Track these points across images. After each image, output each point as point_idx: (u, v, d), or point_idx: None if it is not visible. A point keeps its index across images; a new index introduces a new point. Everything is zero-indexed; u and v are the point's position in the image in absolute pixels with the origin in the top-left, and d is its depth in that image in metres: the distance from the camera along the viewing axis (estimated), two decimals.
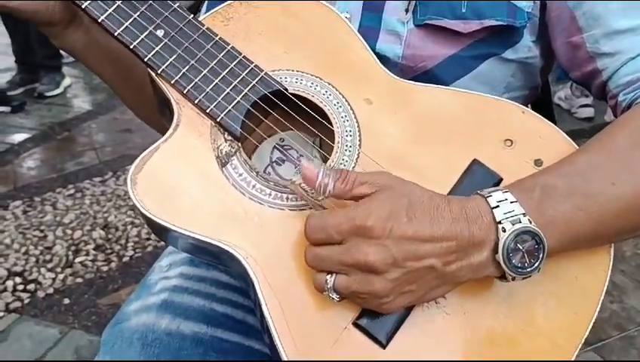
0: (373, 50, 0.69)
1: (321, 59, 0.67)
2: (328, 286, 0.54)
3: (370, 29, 0.71)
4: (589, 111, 3.29)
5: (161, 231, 0.61)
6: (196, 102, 0.62)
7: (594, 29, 0.68)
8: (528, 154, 0.64)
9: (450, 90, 0.68)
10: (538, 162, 0.64)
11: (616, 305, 1.99)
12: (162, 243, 2.23)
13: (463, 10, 0.69)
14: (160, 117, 0.71)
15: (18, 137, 3.11)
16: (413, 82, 0.67)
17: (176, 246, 0.68)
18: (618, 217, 0.59)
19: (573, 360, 0.60)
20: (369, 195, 0.54)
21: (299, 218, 0.59)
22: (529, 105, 0.84)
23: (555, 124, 0.80)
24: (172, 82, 0.62)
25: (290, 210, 0.60)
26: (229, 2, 0.67)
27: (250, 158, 0.66)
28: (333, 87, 0.66)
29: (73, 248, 2.20)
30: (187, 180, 0.60)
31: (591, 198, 0.58)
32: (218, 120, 0.62)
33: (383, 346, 0.56)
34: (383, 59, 0.69)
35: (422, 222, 0.54)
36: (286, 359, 0.55)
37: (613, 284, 2.08)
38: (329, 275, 0.54)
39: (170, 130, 0.61)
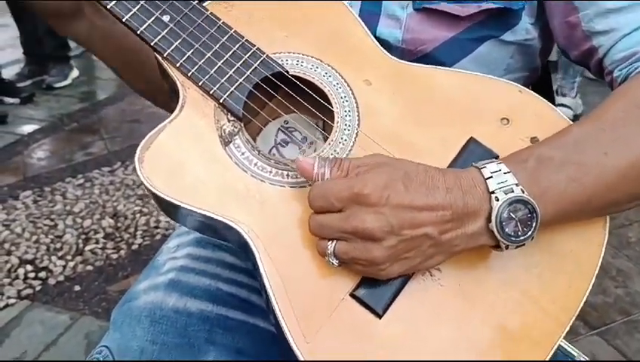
0: (374, 35, 0.70)
1: (322, 42, 0.68)
2: (329, 252, 0.56)
3: (370, 14, 0.72)
4: (566, 113, 3.21)
5: (168, 208, 0.63)
6: (200, 84, 0.64)
7: (588, 9, 0.69)
8: (524, 132, 0.66)
9: (449, 70, 0.69)
10: (534, 140, 0.65)
11: (620, 289, 2.00)
12: (170, 231, 2.27)
13: None
14: (170, 101, 0.73)
15: (27, 128, 3.15)
16: (412, 63, 0.68)
17: (183, 223, 0.70)
18: (611, 187, 0.61)
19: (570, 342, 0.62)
20: (366, 171, 0.56)
21: (298, 194, 0.61)
22: (530, 87, 0.86)
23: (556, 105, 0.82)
24: (177, 65, 0.64)
25: (290, 186, 0.62)
26: None
27: (255, 141, 0.68)
28: (333, 68, 0.68)
29: (83, 236, 2.23)
30: (192, 158, 0.62)
31: (584, 168, 0.60)
32: (221, 101, 0.64)
33: (379, 316, 0.58)
34: (384, 43, 0.71)
35: (418, 191, 0.56)
36: (287, 329, 0.57)
37: (617, 270, 2.09)
38: (330, 241, 0.56)
39: (176, 111, 0.64)
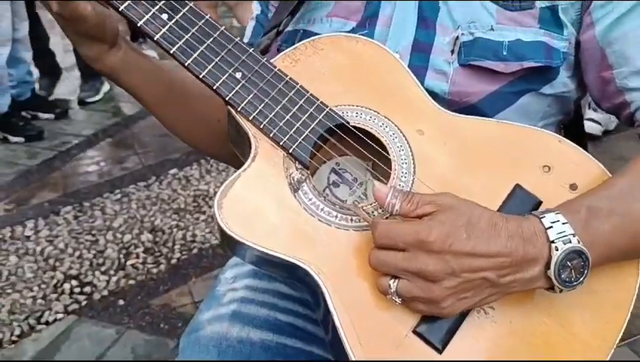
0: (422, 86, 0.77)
1: (378, 94, 0.75)
2: (392, 290, 0.62)
3: (418, 68, 0.78)
4: (594, 128, 2.97)
5: (239, 248, 0.70)
6: (271, 135, 0.71)
7: (623, 67, 0.75)
8: (564, 179, 0.71)
9: (493, 121, 0.75)
10: (573, 186, 0.71)
11: None
12: (207, 244, 2.35)
13: (504, 53, 0.76)
14: (232, 145, 0.80)
15: (64, 144, 3.26)
16: (459, 115, 0.74)
17: (251, 261, 0.76)
18: None
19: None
20: (433, 214, 0.62)
21: (362, 237, 0.68)
22: (562, 126, 0.91)
23: (586, 144, 0.88)
24: (250, 118, 0.71)
25: (354, 230, 0.68)
26: (296, 45, 0.76)
27: None
28: (389, 119, 0.74)
29: (124, 251, 2.32)
30: (265, 205, 0.69)
31: (628, 218, 0.66)
32: (290, 151, 0.71)
33: (440, 351, 0.64)
34: (431, 94, 0.77)
35: (479, 238, 0.61)
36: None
37: None
38: (392, 279, 0.62)
39: (249, 161, 0.70)
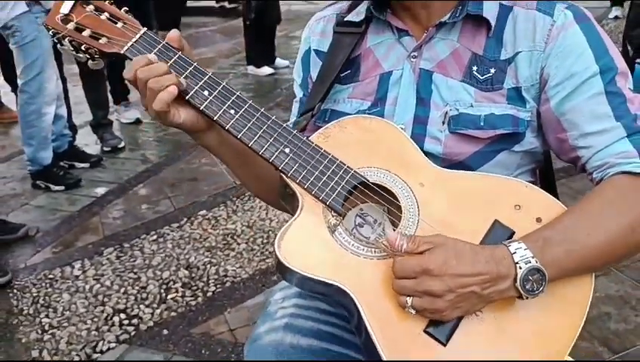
0: (422, 149, 1.02)
1: (388, 158, 1.01)
2: (408, 305, 0.88)
3: (419, 135, 1.04)
4: None
5: (292, 276, 0.95)
6: (312, 193, 0.97)
7: (573, 131, 1.00)
8: (532, 214, 0.96)
9: (476, 174, 1.01)
10: (539, 219, 0.96)
11: None
12: (238, 278, 2.60)
13: (482, 124, 1.02)
14: (283, 200, 1.06)
15: (100, 190, 3.55)
16: (450, 170, 1.00)
17: (299, 285, 1.02)
18: (594, 257, 0.92)
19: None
20: (430, 249, 0.88)
21: (383, 264, 0.93)
22: (537, 171, 1.17)
23: (554, 182, 1.15)
24: (297, 181, 0.97)
25: (377, 259, 0.94)
26: (327, 126, 1.02)
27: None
28: (398, 176, 1.00)
29: (164, 286, 2.58)
30: (311, 243, 0.94)
31: (575, 245, 0.90)
32: (327, 204, 0.97)
33: (444, 345, 0.89)
34: (429, 155, 1.02)
35: (466, 263, 0.87)
36: (382, 353, 0.88)
37: (637, 300, 2.35)
38: (408, 298, 0.88)
39: (298, 212, 0.96)
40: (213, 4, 10.05)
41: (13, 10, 3.19)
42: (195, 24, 8.73)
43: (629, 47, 2.76)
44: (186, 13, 8.57)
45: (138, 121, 4.70)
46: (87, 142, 4.22)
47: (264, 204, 3.18)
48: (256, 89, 5.69)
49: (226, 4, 9.89)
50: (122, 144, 4.19)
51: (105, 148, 4.11)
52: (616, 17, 7.43)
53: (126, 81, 1.00)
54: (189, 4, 8.72)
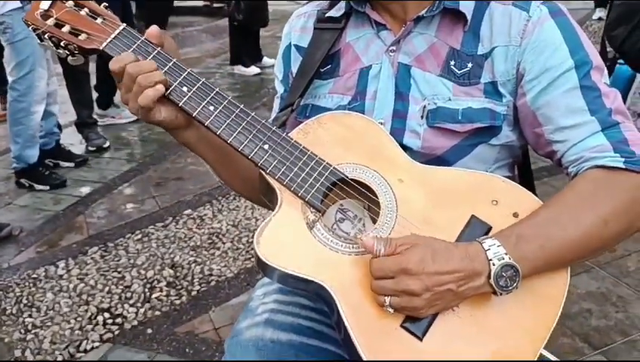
0: (401, 144, 1.03)
1: (367, 154, 1.01)
2: (386, 304, 0.88)
3: (398, 130, 1.05)
4: None
5: (272, 272, 0.95)
6: (291, 189, 0.97)
7: (549, 125, 1.01)
8: (508, 210, 0.97)
9: (453, 169, 1.02)
10: (515, 214, 0.97)
11: (621, 314, 2.28)
12: (222, 277, 2.61)
13: (459, 117, 1.03)
14: (263, 196, 1.07)
15: (85, 190, 3.54)
16: (428, 166, 1.01)
17: (279, 281, 1.02)
18: (567, 251, 0.93)
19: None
20: (407, 249, 0.89)
21: (362, 260, 0.93)
22: (515, 166, 1.18)
23: (532, 178, 1.16)
24: (276, 177, 0.98)
25: (356, 255, 0.94)
26: (306, 122, 1.03)
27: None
28: (377, 172, 1.00)
29: (148, 286, 2.57)
30: (291, 240, 0.95)
31: (549, 240, 0.91)
32: (306, 200, 0.97)
33: (420, 339, 0.90)
34: (408, 149, 1.04)
35: (441, 261, 0.87)
36: (360, 350, 0.89)
37: (617, 296, 2.38)
38: (386, 297, 0.88)
39: (277, 208, 0.97)
40: (199, 3, 10.03)
41: (5, 6, 3.17)
42: (182, 24, 8.70)
43: (610, 48, 2.78)
44: (173, 13, 8.54)
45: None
46: (72, 141, 4.20)
47: (250, 203, 3.19)
48: (243, 88, 5.68)
49: (209, 3, 9.88)
50: (107, 144, 4.17)
51: (90, 148, 4.09)
52: (600, 18, 7.49)
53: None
54: (175, 3, 8.69)
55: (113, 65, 0.97)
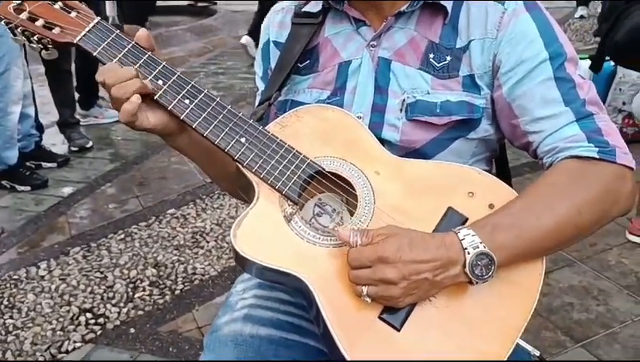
0: (379, 138, 1.03)
1: (345, 147, 1.01)
2: (364, 294, 0.88)
3: (377, 123, 1.05)
4: None
5: (250, 266, 0.95)
6: (268, 182, 0.97)
7: (524, 116, 1.02)
8: (484, 201, 0.98)
9: (430, 162, 1.03)
10: (491, 205, 0.97)
11: (602, 307, 2.30)
12: (206, 276, 2.59)
13: (438, 110, 1.03)
14: (241, 191, 1.06)
15: (67, 190, 3.50)
16: (406, 158, 1.02)
17: (258, 276, 1.02)
18: (543, 240, 0.93)
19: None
20: (383, 239, 0.89)
21: (339, 252, 0.93)
22: (492, 160, 1.19)
23: (509, 173, 1.17)
24: (253, 171, 0.98)
25: (333, 247, 0.94)
26: (283, 115, 1.03)
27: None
28: (354, 165, 1.00)
29: (131, 285, 2.55)
30: (267, 233, 0.95)
31: (523, 229, 0.92)
32: (283, 193, 0.97)
33: (398, 330, 0.90)
34: (386, 143, 1.04)
35: (418, 250, 0.88)
36: (338, 342, 0.89)
37: (599, 290, 2.40)
38: (364, 286, 0.88)
39: (254, 201, 0.96)
40: (183, 3, 9.98)
41: None
42: (166, 23, 8.64)
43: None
44: (156, 13, 8.49)
45: None
46: (55, 141, 4.15)
47: (234, 201, 3.18)
48: (227, 87, 5.66)
49: (193, 2, 9.84)
50: (90, 143, 4.13)
51: (72, 148, 4.05)
52: (581, 17, 7.57)
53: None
54: (158, 3, 8.63)
55: (99, 77, 0.97)
